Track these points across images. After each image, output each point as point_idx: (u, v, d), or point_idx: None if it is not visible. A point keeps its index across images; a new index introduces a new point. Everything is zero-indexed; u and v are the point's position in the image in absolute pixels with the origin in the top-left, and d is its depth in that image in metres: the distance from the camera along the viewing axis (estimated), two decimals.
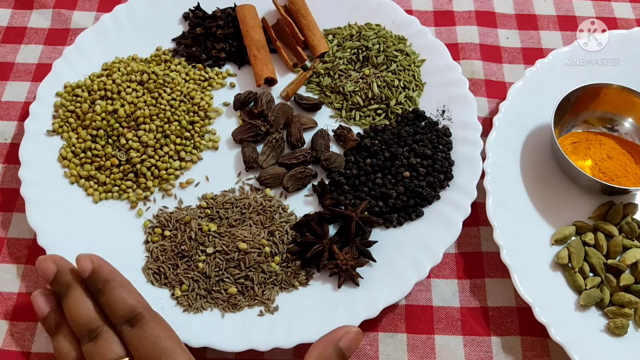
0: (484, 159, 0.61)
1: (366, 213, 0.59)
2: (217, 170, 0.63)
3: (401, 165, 0.61)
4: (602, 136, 0.65)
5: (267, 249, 0.56)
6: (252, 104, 0.67)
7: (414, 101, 0.67)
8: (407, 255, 0.57)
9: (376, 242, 0.58)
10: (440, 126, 0.65)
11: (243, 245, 0.56)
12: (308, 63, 0.71)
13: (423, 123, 0.66)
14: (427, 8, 0.79)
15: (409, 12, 0.77)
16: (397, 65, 0.68)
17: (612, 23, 0.78)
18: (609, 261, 0.58)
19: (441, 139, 0.64)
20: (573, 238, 0.59)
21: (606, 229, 0.59)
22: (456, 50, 0.75)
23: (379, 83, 0.67)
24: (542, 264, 0.58)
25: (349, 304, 0.54)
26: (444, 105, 0.66)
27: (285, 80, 0.69)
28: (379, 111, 0.67)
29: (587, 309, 0.56)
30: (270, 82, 0.68)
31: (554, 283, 0.57)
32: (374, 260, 0.57)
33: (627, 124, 0.66)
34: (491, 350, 0.55)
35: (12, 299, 0.57)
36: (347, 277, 0.56)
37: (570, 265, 0.58)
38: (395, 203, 0.60)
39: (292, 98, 0.67)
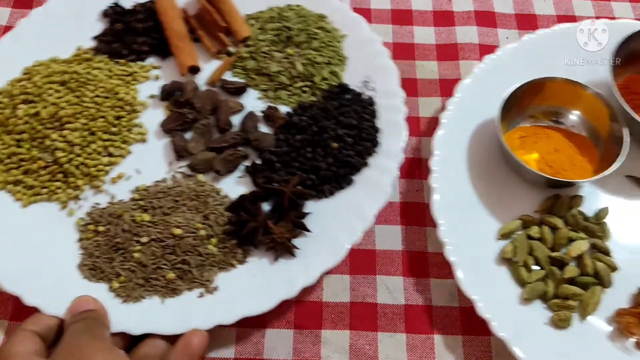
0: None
1: (299, 187, 0.60)
2: (148, 162, 0.63)
3: (329, 137, 0.62)
4: (550, 130, 0.65)
5: (203, 232, 0.57)
6: (178, 93, 0.67)
7: (338, 76, 0.69)
8: (341, 223, 0.58)
9: (310, 213, 0.59)
10: (364, 97, 0.67)
11: (177, 231, 0.56)
12: (232, 49, 0.71)
13: (348, 96, 0.67)
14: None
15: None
16: (319, 43, 0.69)
17: None
18: (553, 254, 0.57)
19: (366, 109, 0.65)
20: (519, 232, 0.59)
21: (551, 221, 0.59)
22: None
23: (303, 61, 0.68)
24: (488, 260, 0.58)
25: (287, 274, 0.56)
26: (366, 76, 0.68)
27: (210, 67, 0.70)
28: (305, 88, 0.68)
29: (531, 302, 0.56)
30: (195, 70, 0.68)
31: (498, 278, 0.57)
32: (309, 231, 0.58)
33: (574, 116, 0.65)
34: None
35: None
36: (283, 249, 0.57)
37: (514, 259, 0.58)
38: (326, 174, 0.61)
39: (218, 84, 0.68)
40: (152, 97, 0.68)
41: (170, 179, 0.62)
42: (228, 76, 0.69)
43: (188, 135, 0.65)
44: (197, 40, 0.72)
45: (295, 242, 0.57)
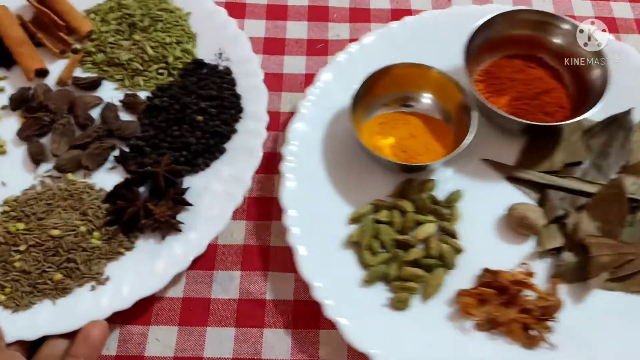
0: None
1: (173, 165, 0.61)
2: (12, 173, 0.61)
3: (193, 112, 0.64)
4: (410, 116, 0.65)
5: (83, 228, 0.56)
6: (29, 100, 0.65)
7: (191, 52, 0.70)
8: (221, 190, 0.60)
9: (188, 188, 0.60)
10: (220, 68, 0.68)
11: (55, 232, 0.55)
12: (78, 46, 0.70)
13: (205, 70, 0.68)
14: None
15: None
16: (163, 24, 0.70)
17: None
18: (399, 237, 0.57)
19: (224, 79, 0.67)
20: (370, 217, 0.59)
21: (401, 205, 0.59)
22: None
23: (152, 44, 0.68)
24: (335, 245, 0.58)
25: (177, 249, 0.57)
26: (219, 49, 0.70)
27: (59, 68, 0.68)
28: (160, 71, 0.68)
29: (372, 284, 0.56)
30: (43, 73, 0.67)
31: (344, 262, 0.57)
32: (190, 205, 0.59)
33: (427, 99, 0.66)
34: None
35: None
36: (168, 227, 0.58)
37: (360, 243, 0.57)
38: (197, 148, 0.62)
39: (70, 82, 0.67)
40: (3, 108, 0.65)
41: (39, 185, 0.60)
42: (80, 73, 0.68)
43: (48, 137, 0.63)
44: (39, 44, 0.70)
45: (181, 217, 0.58)
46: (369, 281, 0.56)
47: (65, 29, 0.70)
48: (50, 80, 0.67)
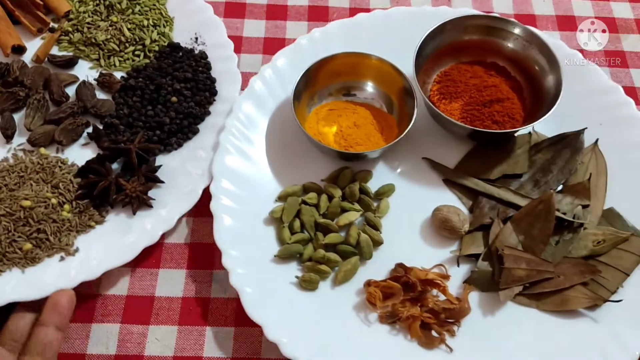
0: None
1: (146, 143, 0.62)
2: None
3: (167, 93, 0.65)
4: (359, 106, 0.65)
5: (54, 201, 0.57)
6: (5, 74, 0.66)
7: (168, 36, 0.71)
8: (194, 168, 0.62)
9: (161, 166, 0.62)
10: (196, 52, 0.70)
11: (27, 203, 0.56)
12: (56, 25, 0.71)
13: (180, 53, 0.70)
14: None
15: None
16: (141, 7, 0.71)
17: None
18: (320, 220, 0.58)
19: (199, 62, 0.68)
20: (299, 198, 0.60)
21: (330, 191, 0.59)
22: None
23: (129, 26, 0.70)
24: (259, 220, 0.59)
25: (147, 224, 0.58)
26: (196, 33, 0.71)
27: (36, 47, 0.69)
28: (137, 52, 0.69)
29: (284, 261, 0.56)
30: (19, 50, 0.68)
31: (263, 237, 0.57)
32: (162, 182, 0.60)
33: (369, 88, 0.66)
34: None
35: None
36: (139, 202, 0.59)
37: (281, 219, 0.58)
38: (171, 127, 0.63)
39: (46, 60, 0.68)
40: None
41: (12, 157, 0.61)
42: (56, 52, 0.69)
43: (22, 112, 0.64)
44: (17, 22, 0.70)
45: (152, 194, 0.60)
46: (280, 256, 0.56)
47: (43, 7, 0.71)
48: (27, 58, 0.68)
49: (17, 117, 0.64)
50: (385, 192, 0.61)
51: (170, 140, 0.63)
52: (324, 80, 0.65)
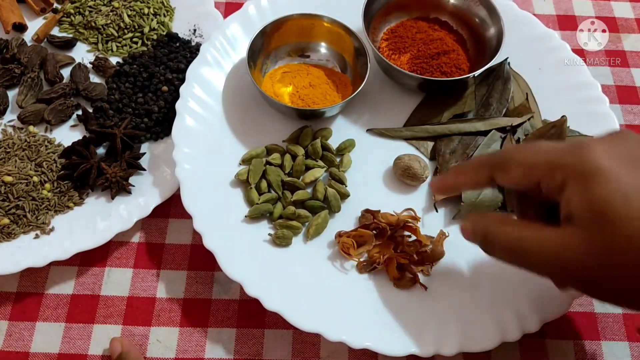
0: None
1: (132, 130, 0.63)
2: None
3: (159, 82, 0.66)
4: (312, 67, 0.67)
5: (36, 179, 0.58)
6: (3, 51, 0.67)
7: (167, 25, 0.72)
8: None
9: (144, 153, 0.62)
10: (193, 44, 0.71)
11: (8, 178, 0.57)
12: (58, 6, 0.72)
13: (177, 44, 0.70)
14: None
15: None
16: None
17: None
18: (286, 179, 0.59)
19: (195, 54, 0.69)
20: (263, 159, 0.61)
21: (293, 150, 0.61)
22: None
23: (129, 13, 0.70)
24: (225, 183, 0.60)
25: (124, 210, 0.59)
26: (194, 25, 0.72)
27: (37, 26, 0.70)
28: (135, 39, 0.70)
29: (255, 220, 0.58)
30: (20, 28, 0.69)
31: (231, 200, 0.59)
32: (143, 169, 0.61)
33: (322, 49, 0.68)
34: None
35: None
36: (118, 188, 0.60)
37: (248, 181, 0.59)
38: (159, 116, 0.64)
39: (46, 39, 0.69)
40: None
41: (1, 133, 0.63)
42: (56, 32, 0.70)
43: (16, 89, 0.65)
44: (21, 1, 0.72)
45: (133, 181, 0.61)
46: (250, 216, 0.57)
47: None
48: (27, 37, 0.69)
49: (11, 94, 0.66)
50: (346, 147, 0.63)
51: (158, 129, 0.64)
52: (278, 42, 0.66)
